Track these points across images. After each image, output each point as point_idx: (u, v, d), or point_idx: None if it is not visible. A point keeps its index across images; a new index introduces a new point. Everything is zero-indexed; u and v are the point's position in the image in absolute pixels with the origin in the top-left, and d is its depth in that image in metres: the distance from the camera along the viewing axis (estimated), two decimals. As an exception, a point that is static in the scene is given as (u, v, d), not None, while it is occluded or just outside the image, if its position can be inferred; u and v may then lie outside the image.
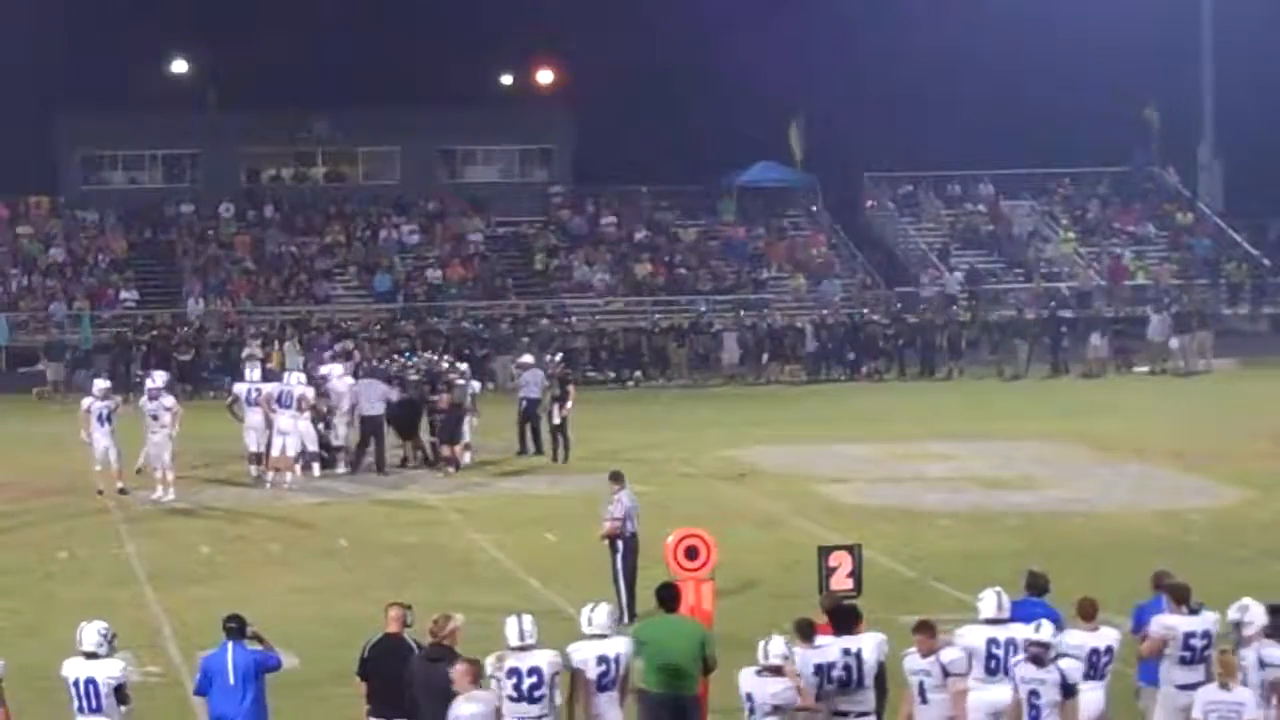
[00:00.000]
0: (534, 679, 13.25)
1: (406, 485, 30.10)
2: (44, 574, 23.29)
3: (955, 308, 51.55)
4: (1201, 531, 25.07)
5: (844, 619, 13.84)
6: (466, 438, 31.57)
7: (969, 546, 24.06)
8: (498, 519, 26.80)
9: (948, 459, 32.25)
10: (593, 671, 13.52)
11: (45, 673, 17.46)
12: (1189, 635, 14.06)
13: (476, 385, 32.84)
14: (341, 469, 30.98)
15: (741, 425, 37.74)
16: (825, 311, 50.96)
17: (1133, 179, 61.03)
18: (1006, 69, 58.01)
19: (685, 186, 58.85)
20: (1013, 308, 51.79)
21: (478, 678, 12.94)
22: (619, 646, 13.67)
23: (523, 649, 13.33)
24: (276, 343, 44.63)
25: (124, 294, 51.56)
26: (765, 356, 47.86)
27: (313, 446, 30.72)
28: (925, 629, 13.58)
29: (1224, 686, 13.11)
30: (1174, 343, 47.12)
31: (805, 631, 13.56)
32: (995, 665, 13.74)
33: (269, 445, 29.80)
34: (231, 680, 13.60)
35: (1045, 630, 13.22)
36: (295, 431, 29.73)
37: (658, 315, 51.40)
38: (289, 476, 29.68)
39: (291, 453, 29.72)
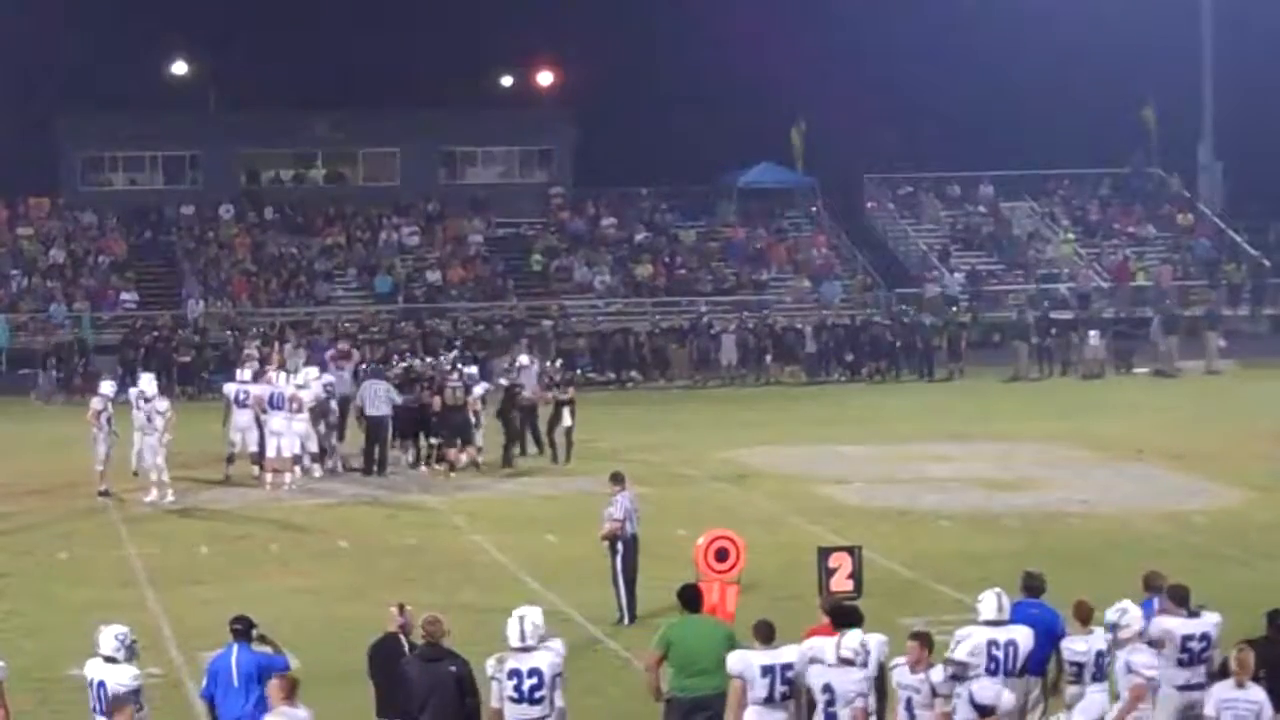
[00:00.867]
0: (534, 680, 13.24)
1: (407, 486, 30.10)
2: (44, 575, 23.29)
3: (955, 309, 51.56)
4: (1202, 532, 25.06)
5: (845, 620, 13.84)
6: (479, 440, 31.58)
7: (969, 547, 24.06)
8: (498, 520, 26.81)
9: (948, 460, 32.25)
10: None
11: (46, 674, 17.52)
12: (1187, 638, 14.05)
13: (480, 388, 32.68)
14: (318, 472, 30.89)
15: (742, 426, 37.75)
16: (826, 313, 50.97)
17: (1133, 180, 61.05)
18: (1006, 69, 58.04)
19: (686, 188, 58.89)
20: (1012, 309, 51.76)
21: (292, 692, 12.73)
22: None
23: (524, 650, 13.33)
24: (276, 344, 44.60)
25: (124, 295, 51.57)
26: (766, 358, 47.87)
27: (313, 448, 30.76)
28: (922, 641, 13.45)
29: (1239, 685, 13.09)
30: (1162, 344, 47.09)
31: (764, 634, 13.56)
32: (995, 667, 13.73)
33: (262, 447, 29.84)
34: (236, 682, 13.56)
35: (963, 649, 13.15)
36: (289, 432, 29.72)
37: (658, 316, 51.40)
38: (287, 477, 29.69)
39: (287, 454, 29.71)
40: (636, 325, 50.34)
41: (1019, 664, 13.81)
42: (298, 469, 30.23)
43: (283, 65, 57.76)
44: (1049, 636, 14.13)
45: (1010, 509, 27.26)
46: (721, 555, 16.30)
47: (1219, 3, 58.72)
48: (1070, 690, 14.02)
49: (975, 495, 28.67)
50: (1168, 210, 59.77)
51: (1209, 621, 14.16)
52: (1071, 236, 57.74)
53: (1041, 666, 14.22)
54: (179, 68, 62.17)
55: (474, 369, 34.07)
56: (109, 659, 13.31)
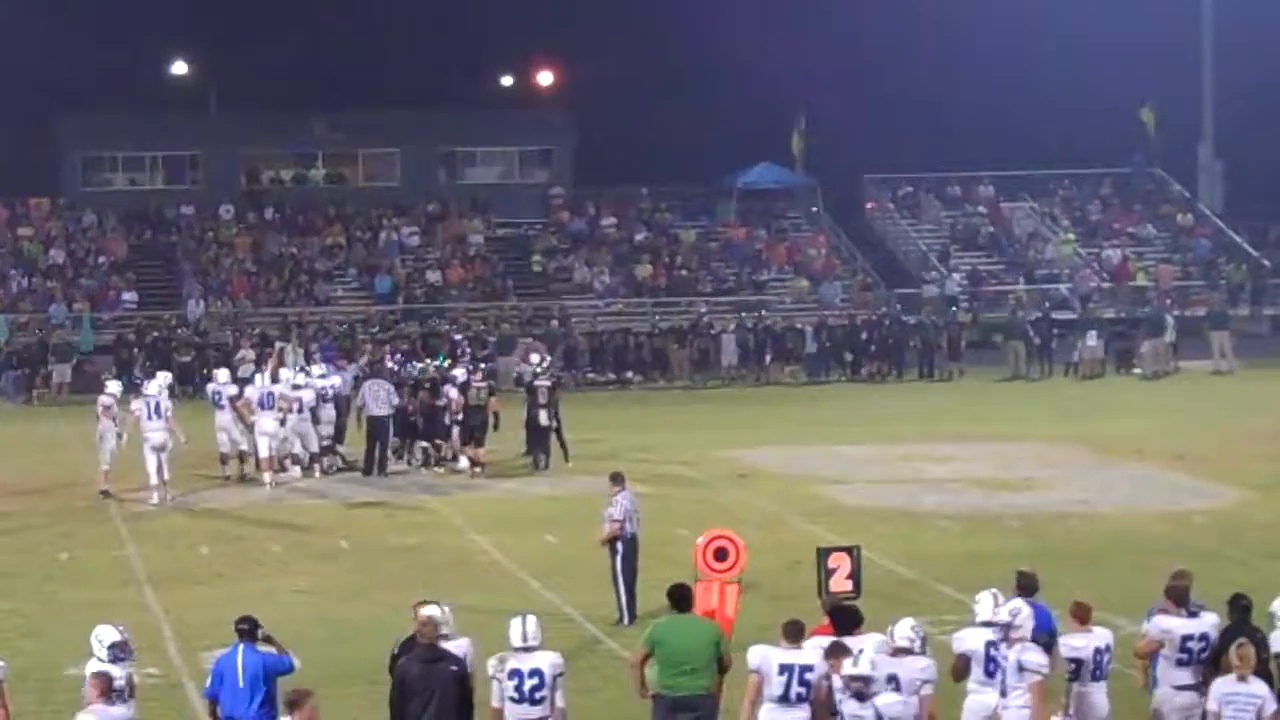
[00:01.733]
0: (535, 680, 13.25)
1: (407, 487, 30.11)
2: (45, 575, 23.28)
3: (955, 309, 51.57)
4: (1202, 532, 25.05)
5: (845, 620, 13.85)
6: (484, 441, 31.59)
7: (969, 548, 24.06)
8: (498, 520, 26.80)
9: (948, 460, 32.24)
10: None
11: (46, 674, 17.53)
12: (1186, 638, 14.05)
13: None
14: (317, 473, 30.90)
15: (742, 427, 37.74)
16: (826, 313, 50.98)
17: (1133, 180, 61.07)
18: (1006, 69, 58.07)
19: (686, 188, 58.92)
20: (1012, 309, 51.74)
21: (107, 690, 12.73)
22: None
23: (525, 650, 13.34)
24: (277, 344, 44.61)
25: (124, 296, 51.58)
26: (766, 358, 47.88)
27: (313, 448, 30.78)
28: (838, 652, 13.15)
29: (1242, 679, 13.11)
30: (1143, 347, 47.02)
31: (791, 633, 13.52)
32: (994, 668, 13.72)
33: (256, 445, 29.91)
34: (241, 683, 13.56)
35: (864, 662, 12.86)
36: (277, 433, 29.75)
37: (658, 317, 51.41)
38: (267, 476, 29.73)
39: (268, 453, 29.73)
40: (636, 325, 50.35)
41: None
42: (296, 469, 30.28)
43: (283, 65, 57.80)
44: (1043, 635, 14.12)
45: (1010, 509, 27.26)
46: (721, 555, 16.28)
47: (1219, 3, 58.76)
48: (1069, 688, 14.00)
49: (975, 495, 28.66)
50: (1168, 210, 59.78)
51: (1208, 622, 14.16)
52: (1071, 237, 57.74)
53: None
54: (179, 68, 62.17)
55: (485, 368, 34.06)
56: (101, 660, 13.35)
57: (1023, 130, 57.91)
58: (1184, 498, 28.08)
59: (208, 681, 13.93)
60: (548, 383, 31.77)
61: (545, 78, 65.03)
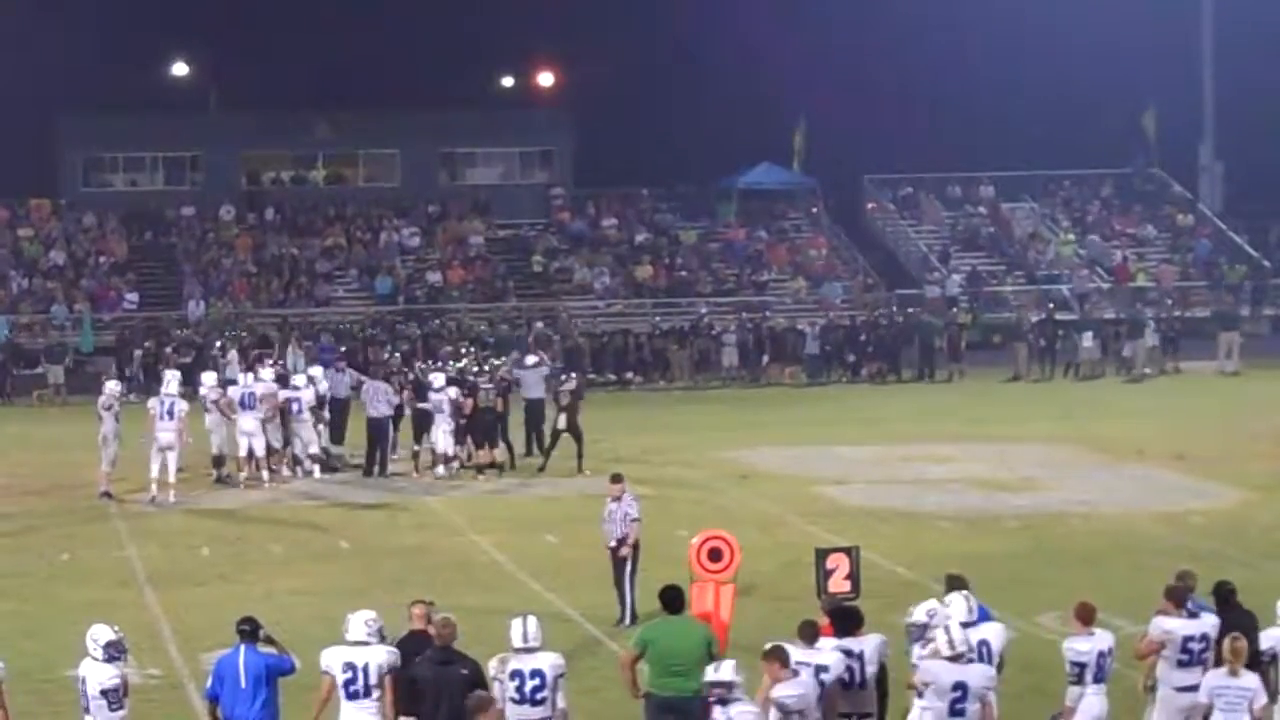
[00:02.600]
0: (536, 681, 13.27)
1: (407, 487, 30.11)
2: (46, 576, 23.29)
3: (955, 310, 51.56)
4: (1202, 533, 25.06)
5: (845, 621, 13.85)
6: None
7: (969, 548, 24.04)
8: (498, 521, 26.81)
9: (948, 461, 32.26)
10: (341, 677, 13.44)
11: (46, 674, 17.53)
12: (1187, 639, 14.06)
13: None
14: (317, 473, 30.88)
15: (742, 427, 37.75)
16: (827, 313, 50.98)
17: (1133, 181, 61.07)
18: (1006, 70, 58.07)
19: (686, 189, 58.93)
20: (1012, 310, 51.80)
21: None
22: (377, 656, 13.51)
23: (526, 651, 13.35)
24: (278, 345, 44.65)
25: (125, 296, 51.58)
26: (766, 359, 47.89)
27: (314, 449, 30.78)
28: (775, 656, 13.02)
29: (1232, 672, 13.16)
30: (1126, 350, 47.01)
31: (807, 634, 13.53)
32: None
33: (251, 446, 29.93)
34: (243, 683, 13.56)
35: (725, 669, 12.65)
36: (259, 433, 29.75)
37: (658, 318, 51.42)
38: (242, 475, 29.74)
39: (259, 453, 29.73)
40: (637, 326, 50.35)
41: (995, 660, 13.78)
42: (285, 469, 30.34)
43: (283, 66, 57.78)
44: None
45: (1010, 510, 27.27)
46: (715, 555, 16.25)
47: (1219, 3, 58.77)
48: (1071, 691, 14.02)
49: (975, 496, 28.67)
50: (1168, 211, 59.79)
51: (1208, 622, 14.17)
52: (1071, 237, 57.76)
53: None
54: (179, 68, 62.18)
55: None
56: (96, 659, 13.36)
57: (1023, 131, 57.92)
58: (1184, 498, 28.09)
59: (208, 682, 13.94)
60: (571, 386, 31.87)
61: (545, 78, 65.03)
